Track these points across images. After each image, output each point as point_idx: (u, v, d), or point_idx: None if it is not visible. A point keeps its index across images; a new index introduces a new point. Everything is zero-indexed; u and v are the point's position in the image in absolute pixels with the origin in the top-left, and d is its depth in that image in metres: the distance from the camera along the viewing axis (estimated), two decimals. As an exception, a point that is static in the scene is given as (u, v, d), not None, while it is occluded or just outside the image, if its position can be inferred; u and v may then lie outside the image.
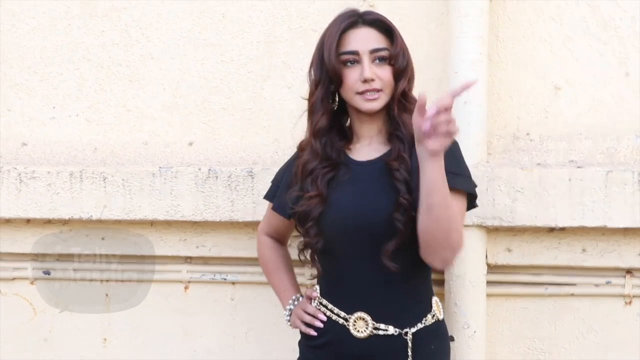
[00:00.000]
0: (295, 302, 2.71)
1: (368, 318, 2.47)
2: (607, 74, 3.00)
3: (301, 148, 2.62)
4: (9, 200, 3.20)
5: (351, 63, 2.49)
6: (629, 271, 2.95)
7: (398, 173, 2.46)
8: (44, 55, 3.36)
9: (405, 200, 2.42)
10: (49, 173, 3.20)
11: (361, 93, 2.48)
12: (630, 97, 2.99)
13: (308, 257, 2.58)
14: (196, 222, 3.14)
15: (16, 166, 3.23)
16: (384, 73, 2.48)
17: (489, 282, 2.98)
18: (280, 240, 2.84)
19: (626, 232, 2.89)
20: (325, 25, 2.71)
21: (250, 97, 3.21)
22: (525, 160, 3.01)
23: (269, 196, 2.77)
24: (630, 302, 2.96)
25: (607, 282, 2.97)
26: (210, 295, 3.24)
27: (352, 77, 2.48)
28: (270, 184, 2.79)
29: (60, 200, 3.18)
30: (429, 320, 2.52)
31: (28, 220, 3.27)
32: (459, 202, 2.49)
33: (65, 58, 3.35)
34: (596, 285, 2.98)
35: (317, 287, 2.60)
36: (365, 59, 2.47)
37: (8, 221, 3.27)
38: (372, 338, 2.47)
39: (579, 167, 2.91)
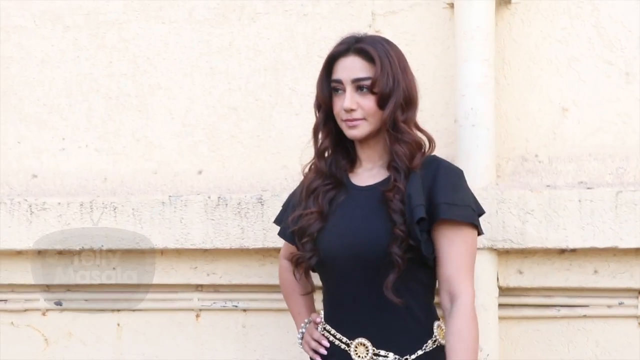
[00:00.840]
0: (307, 326, 2.71)
1: (369, 344, 2.47)
2: (614, 94, 3.00)
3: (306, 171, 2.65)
4: (20, 232, 3.21)
5: (337, 91, 2.51)
6: None
7: (393, 204, 2.46)
8: (52, 87, 3.39)
9: (402, 232, 2.42)
10: (59, 204, 3.21)
11: (344, 120, 2.50)
12: (638, 116, 2.99)
13: (301, 274, 2.59)
14: (206, 249, 3.14)
15: (27, 198, 3.25)
16: (366, 102, 2.48)
17: (500, 305, 2.97)
18: None
19: (638, 252, 2.87)
20: None
21: (258, 124, 3.24)
22: (535, 182, 3.01)
23: (277, 220, 2.78)
24: None
25: (620, 303, 2.95)
26: (221, 323, 3.24)
27: (338, 105, 2.51)
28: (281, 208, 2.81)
29: (71, 231, 3.18)
30: (429, 345, 2.50)
31: (39, 252, 3.27)
32: (466, 236, 2.48)
33: (74, 89, 3.38)
34: (609, 307, 2.96)
35: (322, 311, 2.61)
36: (348, 88, 2.48)
37: (19, 253, 3.28)
38: None
39: (588, 188, 2.90)
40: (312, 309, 2.78)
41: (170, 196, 3.15)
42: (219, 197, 3.10)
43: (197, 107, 3.28)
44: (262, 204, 3.05)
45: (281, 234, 2.71)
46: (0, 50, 3.42)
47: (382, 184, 2.52)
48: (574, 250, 2.91)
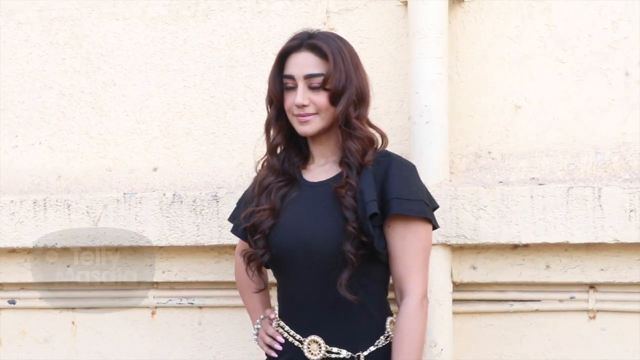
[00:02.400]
0: (262, 322, 2.72)
1: (321, 341, 2.48)
2: (566, 92, 3.03)
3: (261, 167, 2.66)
4: None
5: (288, 87, 2.52)
6: (592, 286, 2.97)
7: (345, 200, 2.46)
8: (5, 83, 3.38)
9: (354, 229, 2.42)
10: (12, 202, 3.21)
11: (296, 115, 2.51)
12: (588, 114, 3.02)
13: (254, 271, 2.59)
14: (162, 247, 3.14)
15: None
16: (319, 98, 2.48)
17: (454, 300, 2.99)
18: None
19: (588, 247, 2.91)
20: None
21: (213, 121, 3.24)
22: (488, 178, 3.03)
23: (231, 217, 2.77)
24: (594, 317, 2.98)
25: (571, 298, 2.99)
26: (177, 321, 3.25)
27: (289, 100, 2.51)
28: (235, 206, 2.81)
29: (25, 229, 3.19)
30: (382, 341, 2.51)
31: None
32: (419, 231, 2.50)
33: (26, 87, 3.37)
34: (560, 301, 3.00)
35: (276, 307, 2.62)
36: (300, 84, 2.48)
37: None
38: None
39: (540, 184, 2.93)
40: (267, 305, 2.79)
41: (124, 193, 3.15)
42: (174, 195, 3.11)
43: (152, 104, 3.28)
44: (217, 201, 3.05)
45: (234, 230, 2.71)
46: (-49, 47, 3.40)
47: (334, 179, 2.53)
48: (526, 246, 2.94)
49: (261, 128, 2.86)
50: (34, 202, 3.19)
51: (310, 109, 2.49)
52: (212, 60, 3.24)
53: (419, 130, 2.95)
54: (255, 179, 2.63)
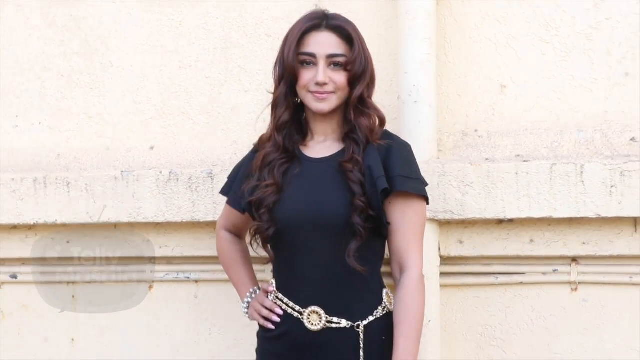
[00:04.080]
0: (253, 295, 2.76)
1: (322, 312, 2.52)
2: (550, 72, 3.04)
3: (262, 141, 2.65)
4: None
5: (307, 64, 2.54)
6: (574, 259, 2.99)
7: (352, 174, 2.50)
8: (5, 65, 3.38)
9: (362, 203, 2.47)
10: (13, 180, 3.22)
11: (312, 92, 2.53)
12: (571, 93, 3.03)
13: (259, 244, 2.61)
14: (159, 223, 3.17)
15: None
16: (339, 77, 2.53)
17: (442, 274, 3.03)
18: (238, 234, 2.87)
19: (571, 222, 2.94)
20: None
21: (208, 101, 3.25)
22: (474, 155, 3.05)
23: (225, 191, 2.79)
24: (576, 289, 3.00)
25: (554, 270, 3.01)
26: (174, 294, 3.26)
27: (307, 76, 2.54)
28: (226, 180, 2.82)
29: (25, 206, 3.21)
30: (379, 312, 2.56)
31: None
32: (417, 208, 2.56)
33: (26, 68, 3.37)
34: (544, 274, 3.03)
35: (274, 281, 2.65)
36: (322, 63, 2.52)
37: None
38: (326, 330, 2.52)
39: (525, 161, 2.95)
40: (254, 279, 2.83)
41: (122, 171, 3.17)
42: (170, 172, 3.13)
43: (149, 85, 3.29)
44: (212, 179, 3.07)
45: (233, 203, 2.72)
46: (-48, 30, 3.39)
47: (338, 155, 2.57)
48: (511, 221, 2.96)
49: (254, 107, 2.97)
50: (35, 180, 3.20)
51: (329, 87, 2.53)
52: (207, 42, 3.25)
53: (408, 109, 2.98)
54: (259, 154, 2.63)
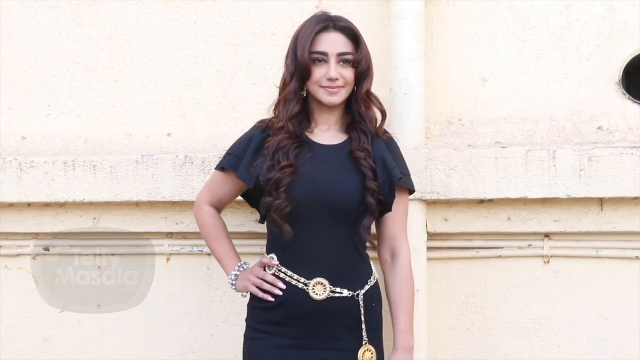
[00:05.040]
0: (241, 269, 2.81)
1: (326, 283, 2.65)
2: (526, 67, 3.15)
3: (273, 130, 2.70)
4: (12, 187, 3.29)
5: (319, 61, 2.66)
6: (547, 235, 3.12)
7: (364, 161, 2.65)
8: (38, 59, 3.45)
9: (374, 186, 2.63)
10: (45, 162, 3.29)
11: (324, 87, 2.66)
12: (545, 86, 3.15)
13: (275, 219, 2.61)
14: (175, 202, 3.23)
15: (17, 157, 3.31)
16: (347, 73, 2.67)
17: (429, 248, 3.14)
18: (219, 209, 2.91)
19: (544, 201, 3.05)
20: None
21: (220, 92, 3.34)
22: (458, 142, 3.15)
23: (229, 165, 2.77)
24: (548, 262, 3.13)
25: (529, 245, 3.13)
26: (189, 266, 3.33)
27: (319, 73, 2.65)
28: (226, 156, 2.81)
29: (56, 186, 3.27)
30: (372, 281, 2.74)
31: (29, 204, 3.34)
32: (406, 200, 2.75)
33: (57, 62, 3.44)
34: (519, 248, 3.14)
35: (274, 255, 2.72)
36: (332, 60, 2.65)
37: (11, 205, 3.35)
38: (328, 299, 2.65)
39: (503, 147, 3.06)
40: (236, 252, 2.86)
41: (142, 155, 3.25)
42: (185, 156, 3.21)
43: (166, 78, 3.37)
44: None
45: (245, 177, 2.71)
46: (-9, 28, 3.44)
47: (345, 143, 2.71)
48: (490, 200, 3.08)
49: (261, 98, 3.12)
50: (64, 163, 3.27)
51: (339, 82, 2.66)
52: (219, 39, 3.33)
53: (399, 100, 3.09)
54: (272, 139, 2.66)
